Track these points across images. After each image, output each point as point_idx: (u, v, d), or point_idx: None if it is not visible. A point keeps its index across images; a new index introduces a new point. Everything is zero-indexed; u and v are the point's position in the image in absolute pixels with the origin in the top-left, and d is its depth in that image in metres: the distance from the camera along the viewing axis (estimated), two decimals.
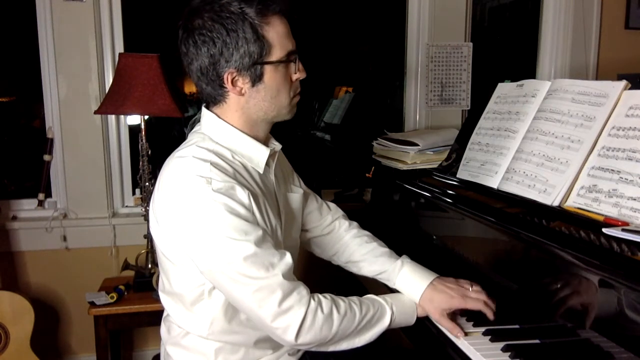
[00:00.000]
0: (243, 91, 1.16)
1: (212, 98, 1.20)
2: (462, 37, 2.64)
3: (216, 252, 1.08)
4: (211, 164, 1.11)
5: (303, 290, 1.12)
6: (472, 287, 1.24)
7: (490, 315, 1.18)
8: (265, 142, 1.26)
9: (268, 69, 1.15)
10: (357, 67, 3.28)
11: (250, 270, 1.07)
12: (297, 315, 1.08)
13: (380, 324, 1.19)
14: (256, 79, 1.15)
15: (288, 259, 1.13)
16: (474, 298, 1.21)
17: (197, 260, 1.11)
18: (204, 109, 1.23)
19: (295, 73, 1.20)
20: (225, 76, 1.13)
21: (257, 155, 1.21)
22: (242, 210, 1.10)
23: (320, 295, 1.14)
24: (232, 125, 1.20)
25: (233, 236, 1.07)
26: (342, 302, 1.16)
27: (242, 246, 1.07)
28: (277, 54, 1.15)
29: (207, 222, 1.08)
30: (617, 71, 2.57)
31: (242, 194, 1.11)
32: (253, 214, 1.12)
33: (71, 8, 2.29)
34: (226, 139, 1.19)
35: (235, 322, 1.20)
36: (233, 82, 1.14)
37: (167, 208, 1.13)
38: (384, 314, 1.20)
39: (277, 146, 1.30)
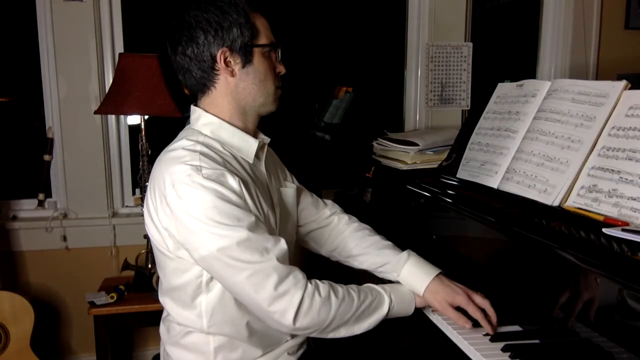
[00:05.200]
0: (234, 72, 1.21)
1: (202, 85, 1.23)
2: (462, 37, 2.64)
3: (209, 239, 1.09)
4: (200, 153, 1.14)
5: (299, 274, 1.13)
6: (477, 293, 1.23)
7: (488, 329, 1.15)
8: (254, 135, 1.29)
9: (257, 53, 1.21)
10: (357, 67, 3.28)
11: (244, 255, 1.08)
12: (294, 299, 1.09)
13: (378, 312, 1.19)
14: (246, 61, 1.21)
15: (283, 244, 1.14)
16: (477, 305, 1.19)
17: (191, 250, 1.13)
18: (192, 106, 1.27)
19: (278, 65, 1.27)
20: (218, 55, 1.18)
21: (246, 146, 1.25)
22: (233, 197, 1.11)
23: (317, 280, 1.16)
24: (220, 118, 1.23)
25: (225, 222, 1.09)
26: (340, 287, 1.17)
27: (235, 232, 1.09)
28: (263, 40, 1.22)
29: (199, 210, 1.09)
30: (617, 71, 2.57)
31: (233, 181, 1.13)
32: (245, 200, 1.14)
33: (71, 8, 2.29)
34: (215, 131, 1.22)
35: (235, 312, 1.21)
36: (225, 62, 1.19)
37: (159, 200, 1.15)
38: (382, 302, 1.20)
39: (266, 139, 1.33)
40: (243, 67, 1.21)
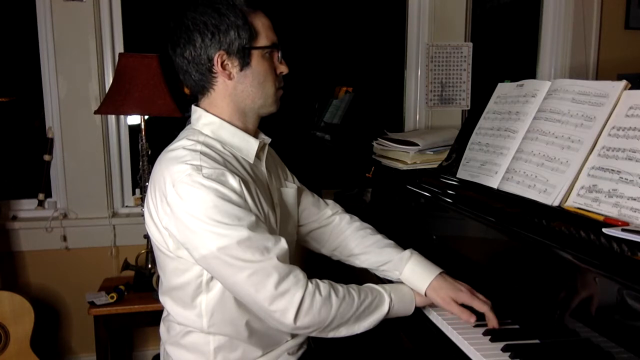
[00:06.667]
0: (232, 75, 1.20)
1: (201, 87, 1.23)
2: (462, 37, 2.64)
3: (210, 239, 1.09)
4: (201, 153, 1.15)
5: (300, 274, 1.13)
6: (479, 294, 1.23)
7: (493, 322, 1.16)
8: (255, 135, 1.29)
9: (255, 55, 1.20)
10: (357, 67, 3.28)
11: (245, 254, 1.08)
12: (294, 298, 1.09)
13: (378, 311, 1.19)
14: (244, 64, 1.20)
15: (283, 243, 1.14)
16: (482, 299, 1.20)
17: (191, 249, 1.13)
18: (193, 106, 1.27)
19: (279, 66, 1.25)
20: (215, 59, 1.18)
21: (247, 146, 1.25)
22: (233, 196, 1.11)
23: (317, 280, 1.16)
24: (220, 118, 1.23)
25: (226, 221, 1.09)
26: (341, 287, 1.17)
27: (235, 231, 1.09)
28: (263, 41, 1.21)
29: (199, 209, 1.09)
30: (617, 71, 2.57)
31: (233, 180, 1.13)
32: (245, 200, 1.14)
33: (71, 8, 2.29)
34: (215, 131, 1.22)
35: (235, 311, 1.21)
36: (223, 65, 1.19)
37: (160, 200, 1.15)
38: (383, 301, 1.20)
39: (267, 139, 1.32)
40: (241, 69, 1.20)
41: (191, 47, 1.18)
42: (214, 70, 1.19)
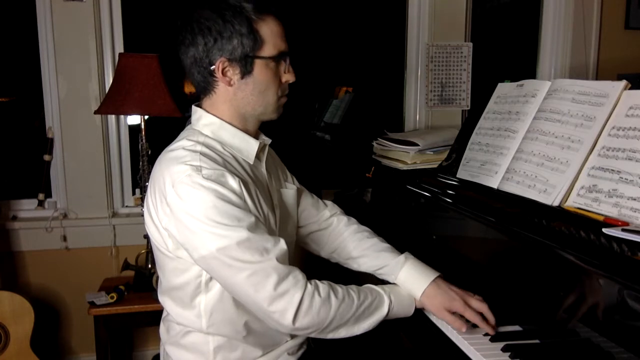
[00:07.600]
0: (232, 82, 1.19)
1: (202, 88, 1.23)
2: (462, 37, 2.64)
3: (209, 239, 1.09)
4: (200, 153, 1.14)
5: (299, 275, 1.13)
6: (474, 296, 1.22)
7: (489, 330, 1.15)
8: (255, 136, 1.29)
9: (258, 64, 1.19)
10: (357, 67, 3.28)
11: (244, 255, 1.09)
12: (294, 299, 1.09)
13: (378, 312, 1.19)
14: (246, 72, 1.19)
15: (282, 244, 1.14)
16: (474, 309, 1.18)
17: (191, 250, 1.13)
18: (193, 107, 1.27)
19: (285, 74, 1.24)
20: (216, 64, 1.17)
21: (247, 147, 1.24)
22: (233, 197, 1.11)
23: (317, 280, 1.16)
24: (221, 119, 1.22)
25: (225, 222, 1.09)
26: (340, 287, 1.17)
27: (235, 232, 1.09)
28: (268, 50, 1.19)
29: (198, 210, 1.09)
30: (617, 71, 2.57)
31: (233, 181, 1.13)
32: (245, 201, 1.14)
33: (71, 8, 2.29)
34: (215, 132, 1.22)
35: (233, 312, 1.21)
36: (223, 72, 1.18)
37: (159, 200, 1.15)
38: (382, 303, 1.20)
39: (267, 140, 1.32)
40: (242, 77, 1.19)
41: (194, 49, 1.18)
42: (215, 75, 1.19)
